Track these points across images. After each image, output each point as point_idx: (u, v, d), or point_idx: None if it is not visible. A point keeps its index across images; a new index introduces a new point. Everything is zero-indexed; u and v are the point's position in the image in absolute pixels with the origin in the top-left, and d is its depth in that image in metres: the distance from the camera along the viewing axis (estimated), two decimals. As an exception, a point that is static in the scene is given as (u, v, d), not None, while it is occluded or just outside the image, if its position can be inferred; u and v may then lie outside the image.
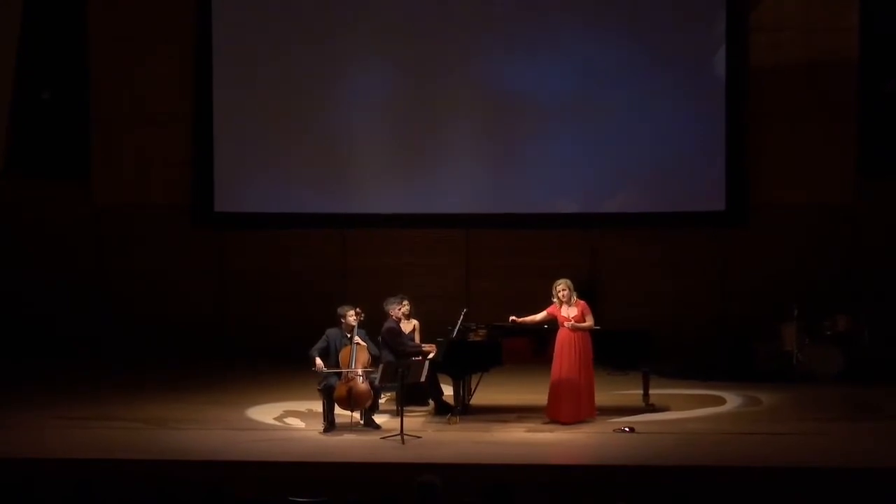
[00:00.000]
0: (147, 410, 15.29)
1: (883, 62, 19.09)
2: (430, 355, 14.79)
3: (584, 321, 14.37)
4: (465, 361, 14.77)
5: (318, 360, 14.19)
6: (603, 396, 15.54)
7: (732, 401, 16.00)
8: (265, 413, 15.30)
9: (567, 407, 14.31)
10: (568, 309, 14.39)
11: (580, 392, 14.34)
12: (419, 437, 13.72)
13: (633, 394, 15.55)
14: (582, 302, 14.47)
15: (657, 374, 16.05)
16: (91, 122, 19.77)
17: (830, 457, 12.91)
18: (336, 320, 14.46)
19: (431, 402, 15.20)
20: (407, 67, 19.46)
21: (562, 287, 14.41)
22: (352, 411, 14.24)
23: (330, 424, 14.19)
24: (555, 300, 14.44)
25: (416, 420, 14.61)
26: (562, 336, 14.38)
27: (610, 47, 19.19)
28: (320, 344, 14.35)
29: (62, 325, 19.51)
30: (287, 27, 19.62)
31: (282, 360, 18.04)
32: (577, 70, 19.21)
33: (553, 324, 14.57)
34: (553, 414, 14.38)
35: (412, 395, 14.70)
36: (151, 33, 19.60)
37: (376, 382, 14.10)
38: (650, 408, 15.13)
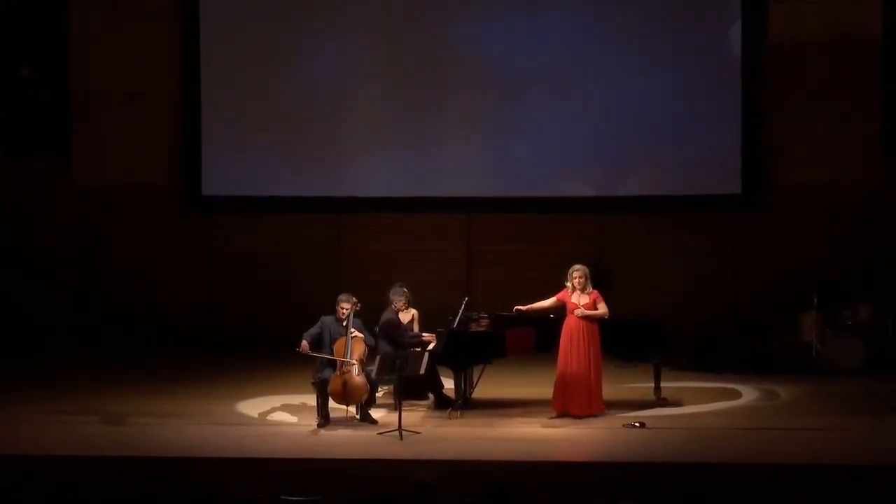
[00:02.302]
0: (132, 405, 15.32)
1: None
2: (430, 347, 14.83)
3: (596, 309, 14.44)
4: (466, 353, 14.81)
5: (305, 343, 14.23)
6: (612, 390, 15.58)
7: (748, 394, 16.04)
8: (256, 407, 15.34)
9: (578, 399, 14.36)
10: (580, 297, 14.45)
11: (590, 383, 14.39)
12: (418, 433, 13.76)
13: (643, 387, 15.60)
14: (595, 291, 14.54)
15: (669, 366, 16.11)
16: (72, 101, 19.77)
17: (851, 454, 12.94)
18: (333, 308, 14.48)
19: (431, 395, 15.24)
20: (404, 43, 19.46)
21: (579, 274, 14.48)
22: (347, 405, 14.28)
23: (324, 419, 14.24)
24: (568, 285, 14.50)
25: (415, 415, 14.65)
26: (569, 324, 14.43)
27: (619, 21, 19.19)
28: (313, 330, 14.40)
29: (42, 315, 19.51)
30: (277, 3, 19.62)
31: (274, 350, 18.05)
32: (585, 45, 19.22)
33: (559, 313, 14.61)
34: (562, 407, 14.41)
35: (411, 388, 14.73)
36: (136, 7, 19.60)
37: (373, 375, 14.13)
38: (662, 402, 15.17)
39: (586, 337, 14.40)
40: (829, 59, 18.94)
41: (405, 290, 15.34)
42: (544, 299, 14.67)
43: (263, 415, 15.00)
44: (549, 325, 14.70)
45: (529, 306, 14.71)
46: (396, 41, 19.48)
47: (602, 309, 14.51)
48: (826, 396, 15.83)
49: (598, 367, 14.51)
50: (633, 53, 19.13)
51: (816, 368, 17.16)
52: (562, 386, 14.43)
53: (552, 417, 14.42)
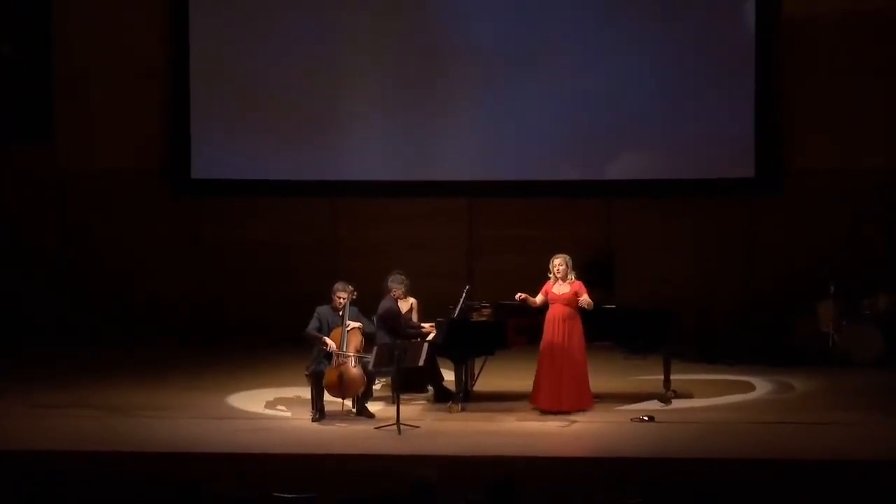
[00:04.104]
0: (117, 398, 15.38)
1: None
2: (430, 337, 14.87)
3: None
4: (467, 343, 14.85)
5: (329, 340, 14.24)
6: (620, 382, 15.68)
7: (762, 387, 16.09)
8: (248, 400, 15.38)
9: (568, 393, 14.36)
10: (561, 286, 14.49)
11: (578, 376, 14.41)
12: (417, 427, 13.82)
13: (652, 379, 15.63)
14: (578, 282, 14.54)
15: (679, 357, 16.13)
16: (55, 79, 19.77)
17: (869, 449, 12.97)
18: (328, 297, 14.51)
19: (430, 388, 15.29)
20: (401, 21, 19.44)
21: (559, 262, 14.53)
22: (343, 398, 14.33)
23: (319, 413, 14.29)
24: (550, 276, 14.55)
25: (414, 408, 14.72)
26: (549, 315, 14.49)
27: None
28: (314, 324, 14.41)
29: (24, 304, 19.55)
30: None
31: (266, 341, 18.12)
32: (591, 21, 19.19)
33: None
34: (547, 403, 14.42)
35: (409, 380, 14.76)
36: (122, -20, 19.66)
37: (370, 367, 14.17)
38: (671, 395, 15.20)
39: (570, 326, 14.43)
40: (847, 36, 18.93)
41: (404, 277, 15.37)
42: (540, 293, 14.70)
43: (256, 408, 15.03)
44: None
45: (527, 295, 14.73)
46: (393, 20, 19.45)
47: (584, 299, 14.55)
48: (843, 389, 15.87)
49: (584, 359, 14.52)
50: (641, 31, 19.09)
51: (833, 360, 17.20)
52: (546, 380, 14.43)
53: (540, 412, 14.42)
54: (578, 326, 14.48)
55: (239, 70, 19.61)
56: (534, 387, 14.54)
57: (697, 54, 19.10)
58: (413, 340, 14.58)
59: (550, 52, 19.23)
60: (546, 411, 14.37)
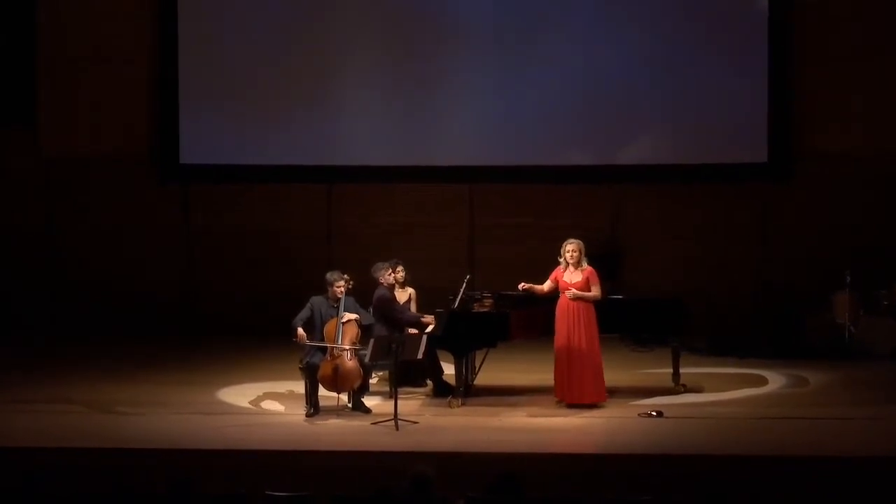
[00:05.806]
0: (104, 392, 15.38)
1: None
2: (429, 328, 14.86)
3: (589, 290, 14.46)
4: (468, 335, 14.82)
5: (301, 331, 14.25)
6: (627, 376, 15.67)
7: (775, 381, 16.09)
8: (239, 395, 15.38)
9: (581, 384, 14.37)
10: (572, 273, 14.48)
11: (592, 367, 14.42)
12: (415, 423, 13.81)
13: (660, 373, 15.65)
14: (589, 268, 14.53)
15: (689, 350, 16.16)
16: (38, 61, 19.77)
17: (885, 444, 12.97)
18: (323, 287, 14.51)
19: (429, 382, 15.30)
20: (398, 1, 19.47)
21: (572, 247, 14.51)
22: (338, 393, 14.32)
23: (314, 408, 14.28)
24: (561, 261, 14.53)
25: (412, 403, 14.71)
26: (560, 304, 14.48)
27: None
28: (304, 314, 14.39)
29: (5, 295, 19.56)
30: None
31: (258, 333, 18.13)
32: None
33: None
34: (565, 395, 14.47)
35: (407, 374, 14.80)
36: (107, -40, 19.65)
37: (366, 360, 14.16)
38: (681, 389, 15.21)
39: (583, 316, 14.42)
40: (864, 16, 18.93)
41: (399, 266, 15.37)
42: (546, 281, 14.66)
43: (247, 403, 15.03)
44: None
45: (531, 286, 14.73)
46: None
47: (595, 291, 14.48)
48: (859, 383, 15.87)
49: (597, 350, 14.52)
50: (650, 11, 19.10)
51: (849, 352, 17.22)
52: (563, 371, 14.46)
53: (557, 404, 14.47)
54: (592, 315, 14.47)
55: (229, 51, 19.61)
56: (555, 381, 14.53)
57: (708, 34, 19.10)
58: (411, 332, 14.58)
59: (555, 33, 19.22)
60: (570, 405, 14.37)
